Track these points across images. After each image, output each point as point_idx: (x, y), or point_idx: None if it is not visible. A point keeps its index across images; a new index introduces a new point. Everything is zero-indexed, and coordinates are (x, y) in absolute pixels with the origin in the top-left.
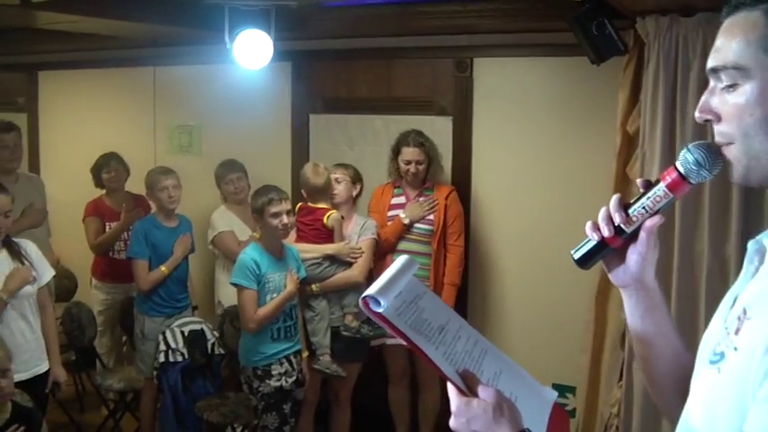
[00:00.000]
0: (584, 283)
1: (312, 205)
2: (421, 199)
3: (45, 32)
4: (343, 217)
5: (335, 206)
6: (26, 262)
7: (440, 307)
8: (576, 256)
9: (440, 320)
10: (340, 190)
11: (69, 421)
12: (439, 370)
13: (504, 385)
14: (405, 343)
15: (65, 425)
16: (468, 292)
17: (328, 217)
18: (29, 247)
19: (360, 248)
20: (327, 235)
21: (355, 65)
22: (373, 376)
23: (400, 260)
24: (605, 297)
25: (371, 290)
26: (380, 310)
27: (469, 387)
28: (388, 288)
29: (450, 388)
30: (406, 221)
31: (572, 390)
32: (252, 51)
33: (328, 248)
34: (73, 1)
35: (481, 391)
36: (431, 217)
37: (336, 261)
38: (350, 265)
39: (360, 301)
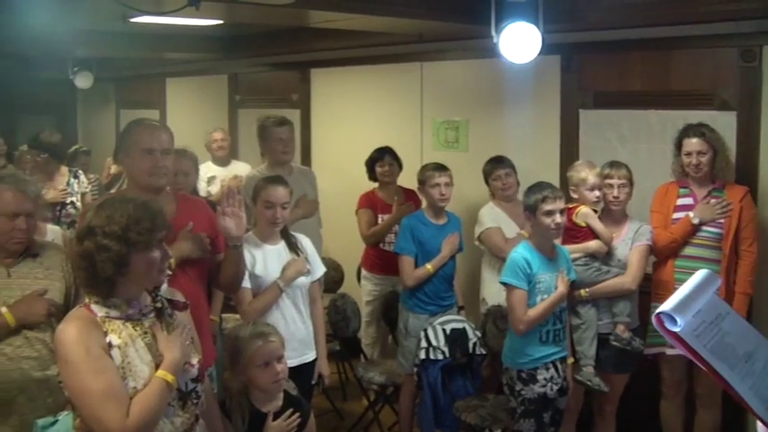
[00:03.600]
0: None
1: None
2: (713, 201)
3: (317, 31)
4: (596, 210)
5: (613, 212)
6: (301, 255)
7: (746, 330)
8: None
9: (746, 346)
10: (622, 194)
11: (332, 408)
12: (746, 404)
13: None
14: (703, 367)
15: (328, 411)
16: (754, 302)
17: (577, 214)
18: (304, 241)
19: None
20: (586, 234)
21: (629, 57)
22: (642, 388)
23: (700, 274)
24: None
25: (667, 306)
26: (676, 330)
27: None
28: (686, 305)
29: (761, 428)
30: (695, 221)
31: None
32: (519, 44)
33: (589, 246)
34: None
35: None
36: (721, 220)
37: (609, 265)
38: (623, 270)
39: (653, 318)
